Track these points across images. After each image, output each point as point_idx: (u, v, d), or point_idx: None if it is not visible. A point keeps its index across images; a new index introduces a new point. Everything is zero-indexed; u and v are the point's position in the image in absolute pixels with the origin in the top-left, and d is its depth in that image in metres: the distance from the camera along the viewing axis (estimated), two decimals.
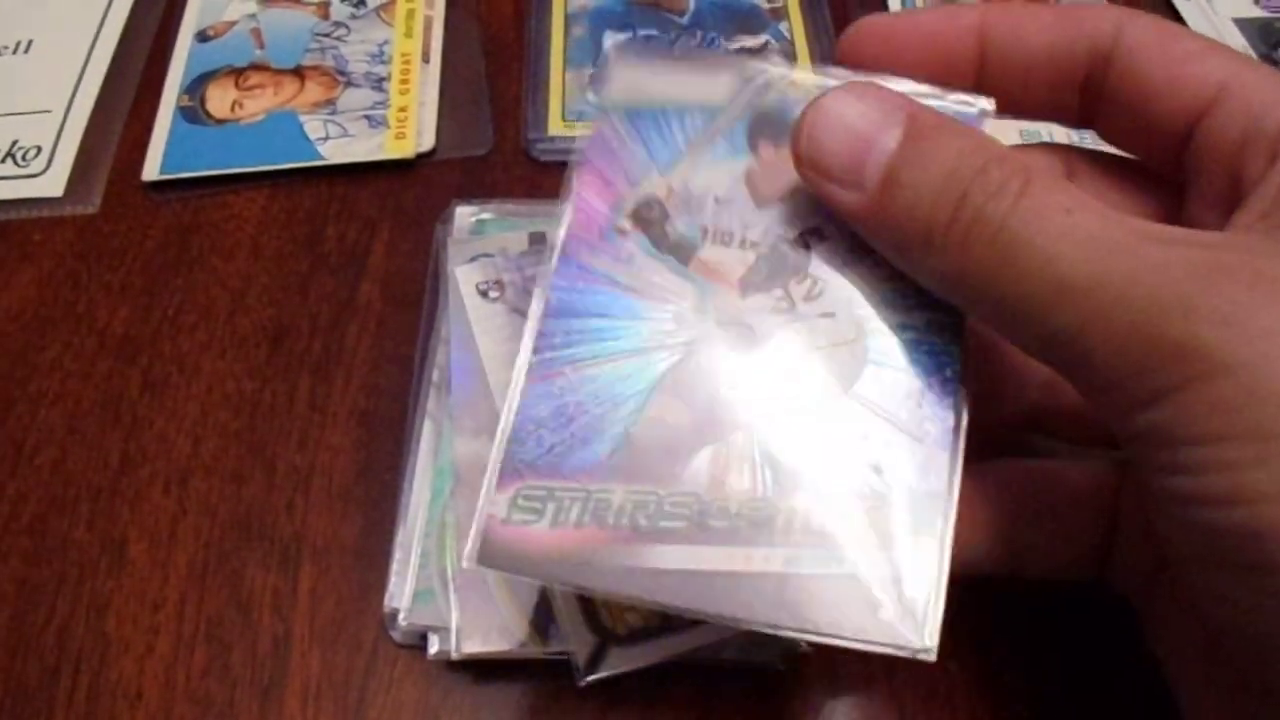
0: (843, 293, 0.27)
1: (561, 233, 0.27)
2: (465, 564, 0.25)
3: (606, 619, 0.29)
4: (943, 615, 0.24)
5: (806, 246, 0.27)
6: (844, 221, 0.26)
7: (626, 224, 0.27)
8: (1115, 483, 0.28)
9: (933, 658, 0.24)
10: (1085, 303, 0.22)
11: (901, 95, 0.26)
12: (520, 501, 0.25)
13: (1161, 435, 0.21)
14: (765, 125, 0.28)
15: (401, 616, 0.31)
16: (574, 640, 0.29)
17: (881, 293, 0.26)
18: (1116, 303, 0.21)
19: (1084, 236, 0.22)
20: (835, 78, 0.27)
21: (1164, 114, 0.26)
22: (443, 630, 0.31)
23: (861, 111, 0.25)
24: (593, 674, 0.29)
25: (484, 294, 0.36)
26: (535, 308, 0.26)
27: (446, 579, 0.31)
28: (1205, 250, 0.22)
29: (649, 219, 0.27)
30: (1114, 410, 0.22)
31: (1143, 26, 0.27)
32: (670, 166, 0.28)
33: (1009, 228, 0.23)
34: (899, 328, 0.26)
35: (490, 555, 0.25)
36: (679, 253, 0.27)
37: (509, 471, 0.25)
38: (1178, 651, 0.27)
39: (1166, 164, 0.27)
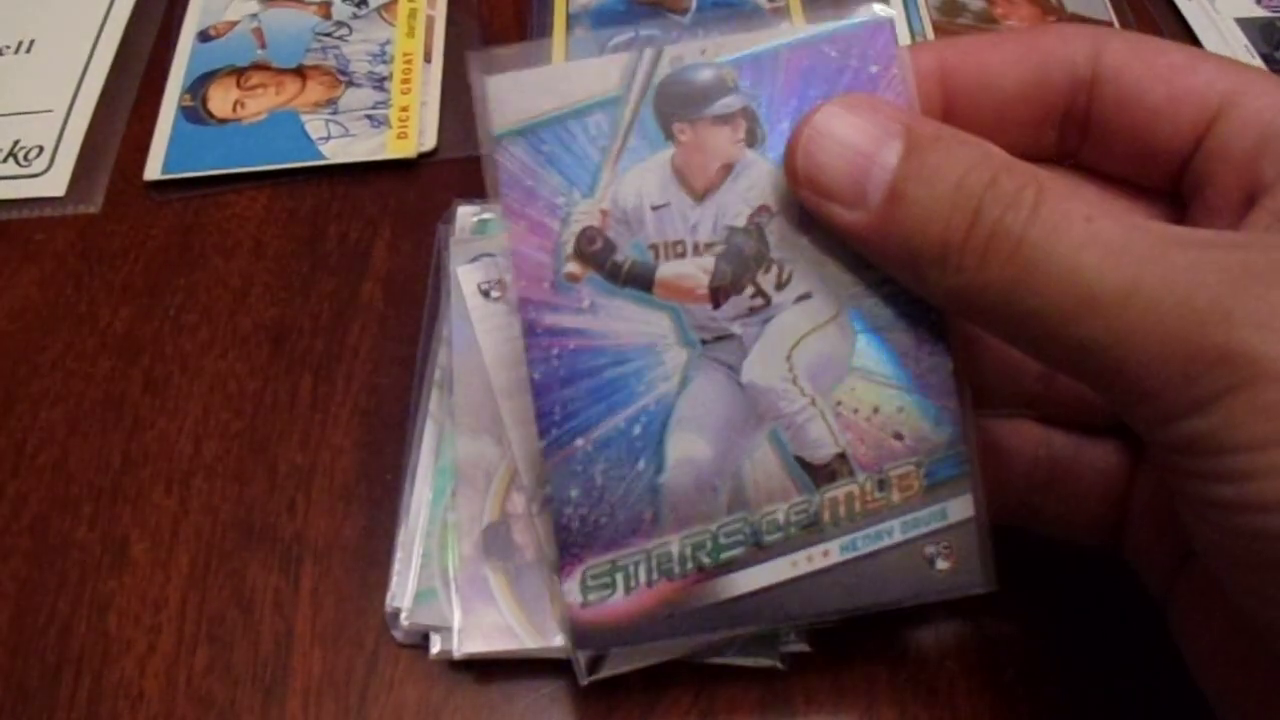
0: (811, 269, 0.26)
1: (514, 297, 0.27)
2: (567, 655, 0.28)
3: None
4: (991, 549, 0.26)
5: (760, 230, 0.26)
6: (847, 242, 0.25)
7: (574, 268, 0.26)
8: (1128, 467, 0.28)
9: (994, 587, 0.26)
10: (1116, 313, 0.21)
11: (896, 107, 0.25)
12: (589, 582, 0.26)
13: (1203, 443, 0.21)
14: (672, 103, 0.26)
15: (403, 616, 0.31)
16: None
17: (845, 257, 0.26)
18: (1149, 312, 0.21)
19: (1108, 245, 0.21)
20: (715, 44, 0.27)
21: (1166, 132, 0.26)
22: (444, 630, 0.31)
23: (857, 126, 0.24)
24: (595, 674, 0.29)
25: (485, 294, 0.36)
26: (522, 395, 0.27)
27: (448, 579, 0.31)
28: (1234, 252, 0.21)
29: (594, 255, 0.26)
30: (1149, 420, 0.22)
31: (1123, 44, 0.26)
32: (593, 186, 0.26)
33: (1029, 240, 0.22)
34: (873, 288, 0.26)
35: (584, 639, 0.27)
36: (638, 282, 0.26)
37: (568, 559, 0.26)
38: (1203, 637, 0.27)
39: (1163, 180, 0.27)
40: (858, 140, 0.24)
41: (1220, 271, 0.21)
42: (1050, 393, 0.29)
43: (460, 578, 0.31)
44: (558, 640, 0.30)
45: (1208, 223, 0.25)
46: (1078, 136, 0.27)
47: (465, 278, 0.36)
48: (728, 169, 0.26)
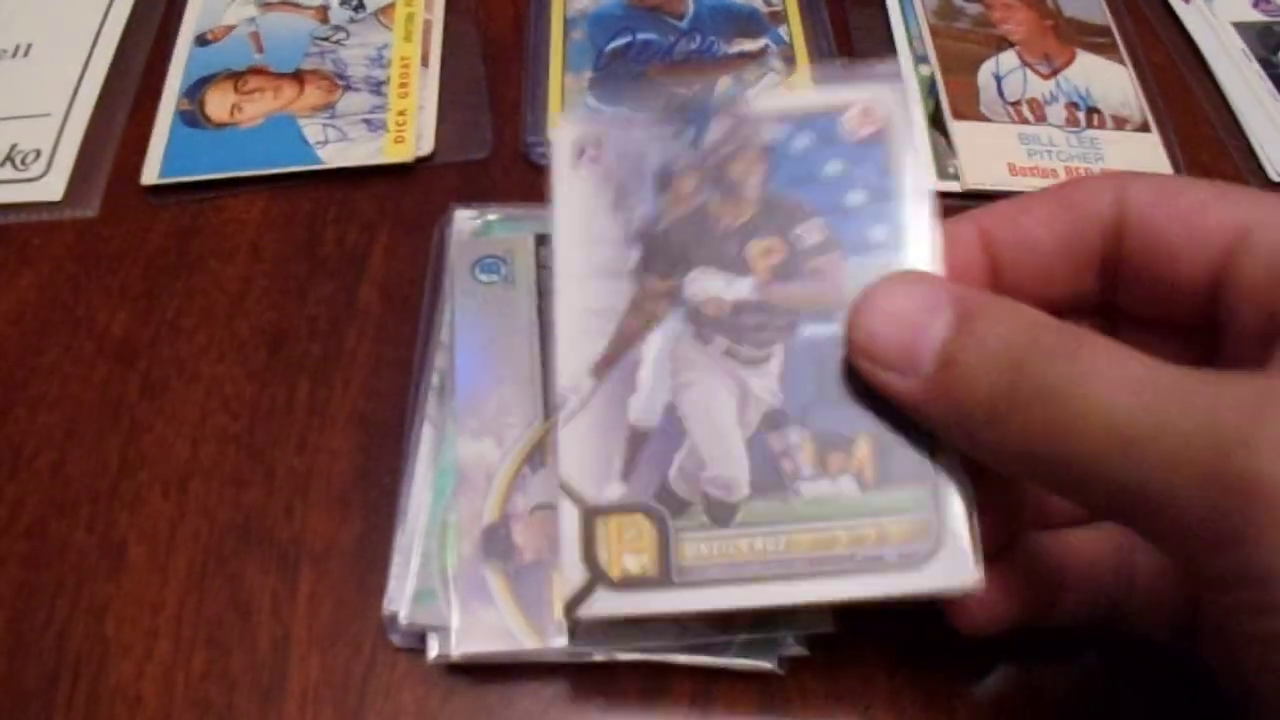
0: None
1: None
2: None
3: (604, 558, 0.28)
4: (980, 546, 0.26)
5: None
6: (903, 407, 0.26)
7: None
8: (1130, 543, 0.29)
9: (983, 586, 0.26)
10: (1149, 452, 0.22)
11: (944, 280, 0.27)
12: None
13: (1242, 576, 0.21)
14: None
15: (402, 616, 0.31)
16: (566, 569, 0.28)
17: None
18: (1179, 447, 0.21)
19: (1139, 386, 0.22)
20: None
21: (1187, 269, 0.26)
22: (443, 631, 0.31)
23: (910, 298, 0.26)
24: (577, 608, 0.28)
25: (581, 153, 0.32)
26: None
27: (447, 579, 0.31)
28: (1252, 383, 0.22)
29: None
30: (1190, 556, 0.22)
31: (1144, 188, 0.27)
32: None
33: (1067, 388, 0.23)
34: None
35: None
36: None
37: None
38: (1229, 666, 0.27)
39: (1194, 318, 0.27)
40: (910, 312, 0.26)
41: (1238, 401, 0.21)
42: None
43: (459, 578, 0.31)
44: (556, 642, 0.30)
45: (1237, 357, 0.26)
46: (1112, 281, 0.28)
47: (562, 135, 0.32)
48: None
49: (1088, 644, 0.31)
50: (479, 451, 0.33)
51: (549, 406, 0.34)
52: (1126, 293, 0.28)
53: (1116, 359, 0.23)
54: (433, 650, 0.31)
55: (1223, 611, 0.22)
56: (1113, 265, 0.28)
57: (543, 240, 0.37)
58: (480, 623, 0.31)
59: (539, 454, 0.33)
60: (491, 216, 0.39)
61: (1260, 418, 0.21)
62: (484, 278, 0.37)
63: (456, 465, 0.33)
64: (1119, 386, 0.22)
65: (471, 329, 0.36)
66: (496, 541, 0.32)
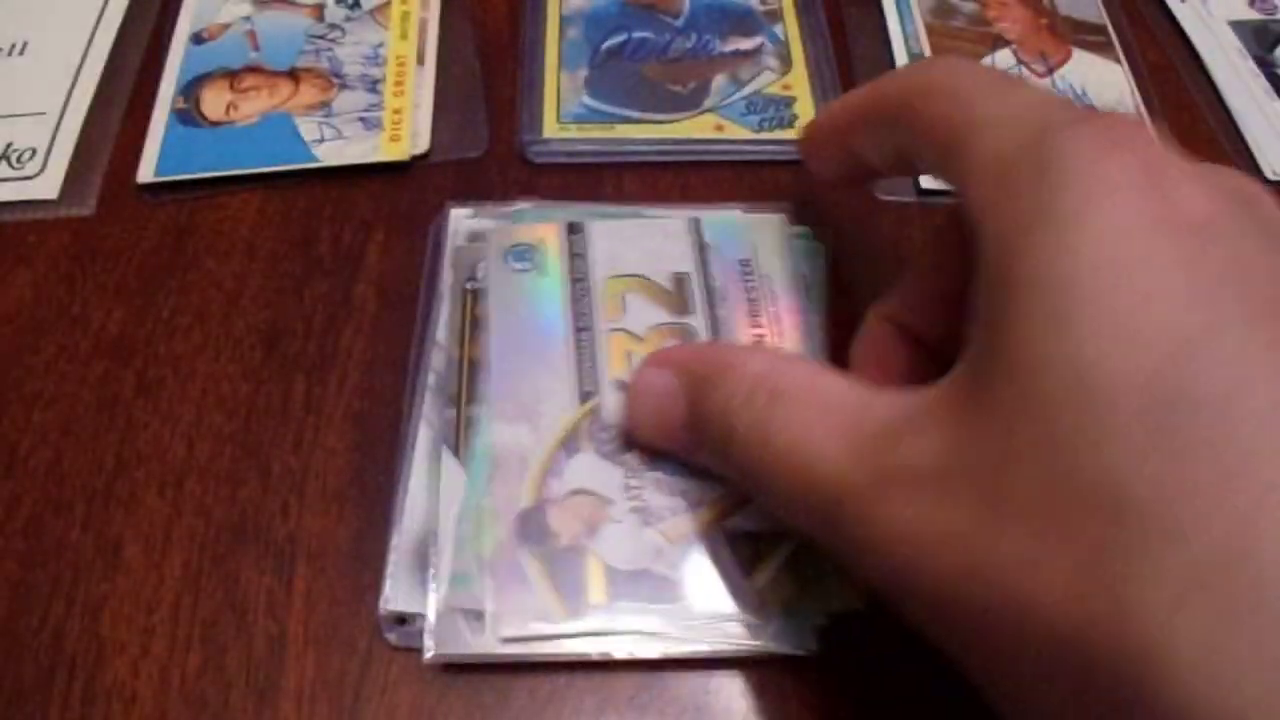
0: None
1: None
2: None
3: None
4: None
5: None
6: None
7: None
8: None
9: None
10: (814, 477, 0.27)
11: (680, 355, 0.33)
12: None
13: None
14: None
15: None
16: None
17: None
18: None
19: (807, 424, 0.27)
20: None
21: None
22: (474, 614, 0.31)
23: (655, 385, 0.32)
24: None
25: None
26: None
27: (482, 564, 0.31)
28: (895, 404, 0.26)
29: None
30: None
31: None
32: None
33: (755, 433, 0.28)
34: None
35: None
36: None
37: None
38: None
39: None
40: (656, 398, 0.32)
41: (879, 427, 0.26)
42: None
43: (495, 563, 0.31)
44: (591, 624, 0.31)
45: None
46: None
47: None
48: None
49: None
50: (514, 436, 0.34)
51: (583, 393, 0.35)
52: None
53: (801, 401, 0.27)
54: (429, 651, 0.31)
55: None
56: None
57: (574, 228, 0.39)
58: (517, 605, 0.31)
59: (573, 439, 0.34)
60: (523, 206, 0.40)
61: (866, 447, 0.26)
62: (516, 265, 0.37)
63: (491, 451, 0.33)
64: (796, 426, 0.27)
65: (505, 315, 0.36)
66: (532, 526, 0.32)
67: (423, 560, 0.32)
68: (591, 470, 0.33)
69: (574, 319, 0.36)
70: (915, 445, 0.24)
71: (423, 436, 0.34)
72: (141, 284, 0.40)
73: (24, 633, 0.32)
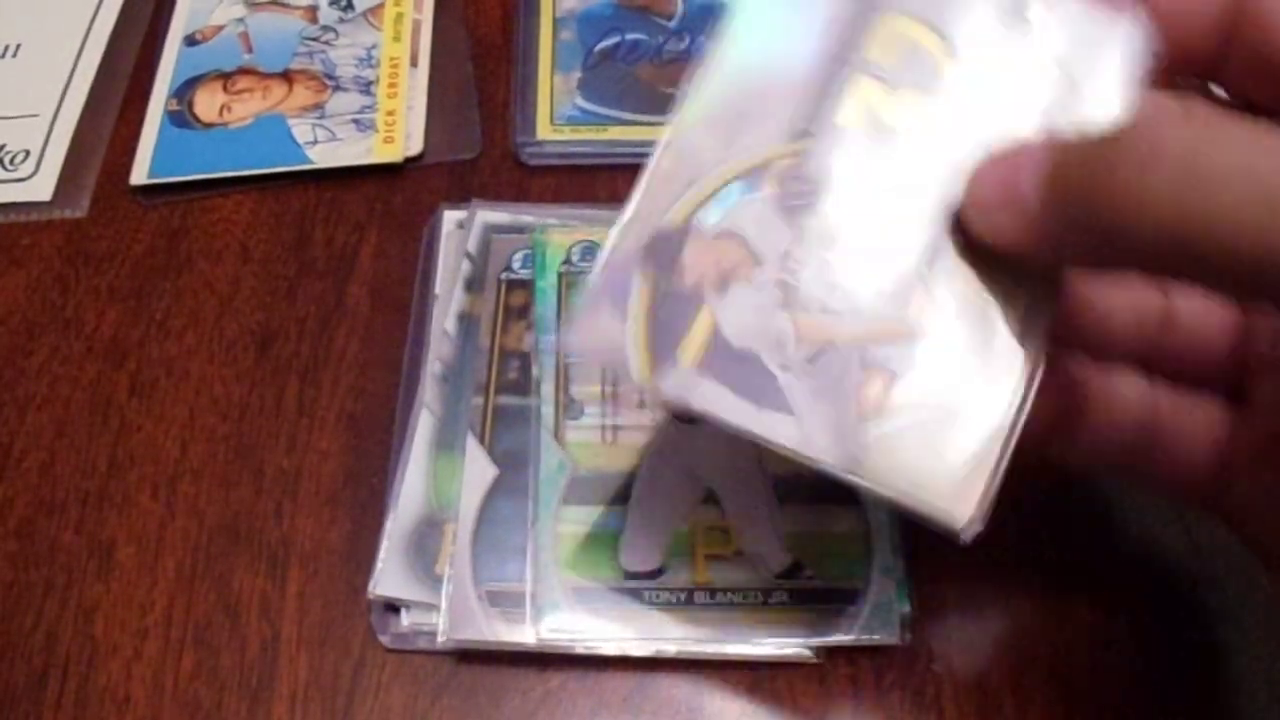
0: None
1: None
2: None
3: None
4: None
5: None
6: (1016, 248, 0.24)
7: None
8: (1230, 424, 0.28)
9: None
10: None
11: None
12: None
13: None
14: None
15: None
16: None
17: None
18: None
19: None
20: None
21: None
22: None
23: (1001, 156, 0.25)
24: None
25: None
26: None
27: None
28: None
29: None
30: None
31: None
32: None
33: (1192, 144, 0.21)
34: None
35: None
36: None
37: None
38: None
39: None
40: (1004, 160, 0.25)
41: None
42: (1162, 345, 0.29)
43: (601, 279, 0.27)
44: (669, 385, 0.26)
45: None
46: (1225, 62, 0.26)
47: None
48: None
49: (1081, 646, 0.32)
50: (699, 142, 0.27)
51: (795, 130, 0.28)
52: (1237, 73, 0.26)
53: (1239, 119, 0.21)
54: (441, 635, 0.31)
55: None
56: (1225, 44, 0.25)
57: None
58: (599, 327, 0.26)
59: (758, 174, 0.27)
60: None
61: None
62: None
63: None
64: (1251, 141, 0.20)
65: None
66: (663, 250, 0.27)
67: (419, 547, 0.32)
68: (759, 217, 0.27)
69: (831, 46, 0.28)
70: None
71: (423, 424, 0.34)
72: (135, 286, 0.40)
73: (17, 634, 0.32)
